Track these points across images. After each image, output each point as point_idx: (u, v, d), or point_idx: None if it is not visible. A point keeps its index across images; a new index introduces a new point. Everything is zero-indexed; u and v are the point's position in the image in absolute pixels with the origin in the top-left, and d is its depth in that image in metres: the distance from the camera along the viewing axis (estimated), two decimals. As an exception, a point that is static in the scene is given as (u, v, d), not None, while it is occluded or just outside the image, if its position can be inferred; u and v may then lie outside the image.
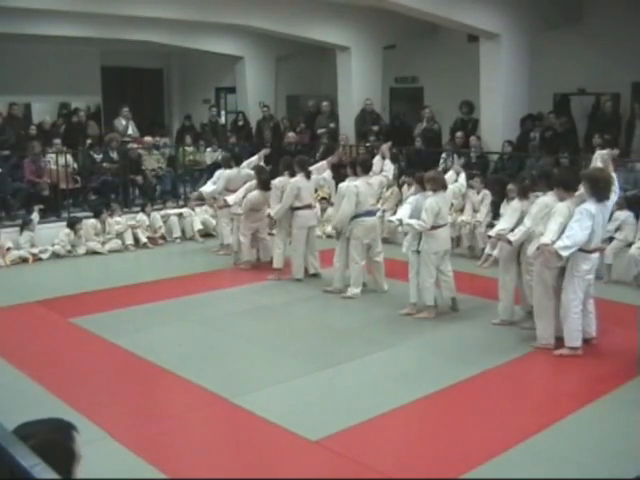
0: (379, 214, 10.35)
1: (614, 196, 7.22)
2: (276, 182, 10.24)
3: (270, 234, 10.99)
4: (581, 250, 6.85)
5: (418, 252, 8.35)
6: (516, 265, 7.97)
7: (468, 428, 5.64)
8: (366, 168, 9.32)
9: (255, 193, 10.53)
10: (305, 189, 10.06)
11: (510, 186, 10.03)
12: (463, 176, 9.22)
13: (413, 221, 8.20)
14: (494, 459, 5.04)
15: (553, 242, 6.73)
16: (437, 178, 8.49)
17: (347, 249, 9.34)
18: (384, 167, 9.73)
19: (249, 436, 5.58)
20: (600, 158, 7.56)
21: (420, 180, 8.69)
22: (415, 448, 5.47)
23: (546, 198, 7.37)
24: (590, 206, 6.82)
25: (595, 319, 7.34)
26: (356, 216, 9.13)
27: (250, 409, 5.85)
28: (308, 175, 10.09)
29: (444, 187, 8.43)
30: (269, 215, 10.21)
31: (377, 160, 9.77)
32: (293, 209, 10.00)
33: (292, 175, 10.08)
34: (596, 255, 7.15)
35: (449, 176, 9.08)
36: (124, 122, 15.65)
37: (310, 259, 10.24)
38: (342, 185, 9.33)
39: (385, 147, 10.04)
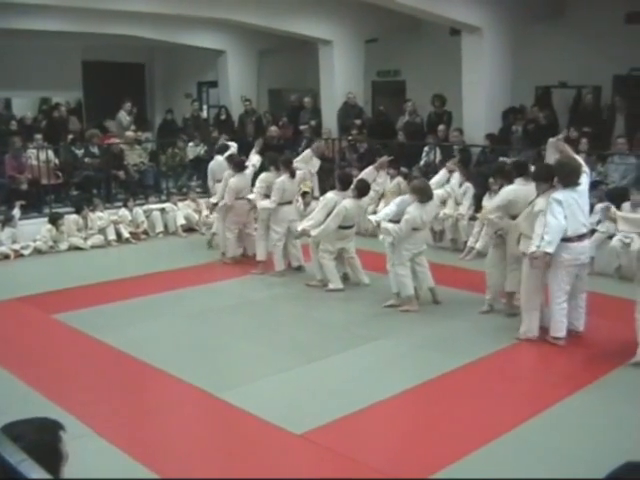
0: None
1: (585, 177, 7.20)
2: (262, 176, 10.27)
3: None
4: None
5: (393, 244, 8.41)
6: (503, 255, 8.04)
7: (454, 419, 5.67)
8: (363, 194, 9.22)
9: (234, 179, 10.58)
10: (290, 189, 10.07)
11: (492, 180, 10.08)
12: (456, 176, 9.11)
13: (390, 225, 8.23)
14: (480, 449, 5.07)
15: (538, 247, 6.86)
16: (423, 189, 8.37)
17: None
18: (377, 179, 9.63)
19: (235, 431, 5.59)
20: (553, 147, 7.60)
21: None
22: (401, 440, 5.50)
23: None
24: (557, 194, 6.90)
25: (585, 314, 7.34)
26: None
27: (236, 404, 5.85)
28: (293, 174, 10.07)
29: (429, 198, 8.37)
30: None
31: (370, 171, 9.60)
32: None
33: (277, 170, 10.08)
34: (577, 244, 7.03)
35: (442, 175, 9.03)
36: (128, 117, 15.64)
37: (293, 251, 10.25)
38: (330, 197, 9.31)
39: (385, 160, 9.85)
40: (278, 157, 10.42)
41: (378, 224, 8.35)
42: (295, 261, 10.32)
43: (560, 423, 5.55)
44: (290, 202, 10.14)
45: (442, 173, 9.10)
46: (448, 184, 8.98)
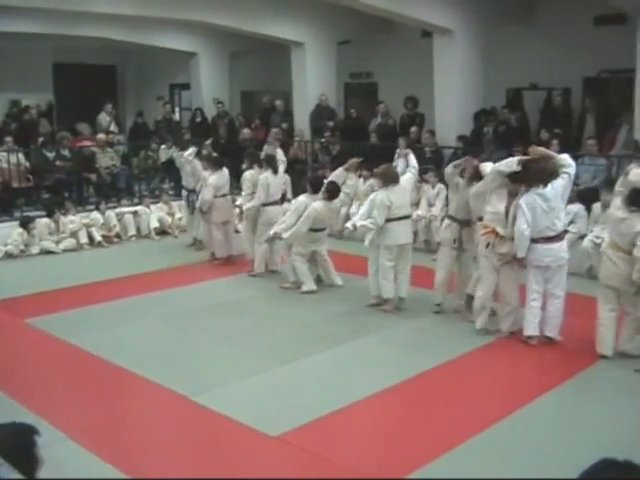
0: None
1: (561, 180, 7.08)
2: (247, 175, 10.36)
3: (236, 231, 11.27)
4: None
5: (379, 246, 8.43)
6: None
7: (430, 419, 5.71)
8: (333, 196, 9.26)
9: (214, 177, 10.70)
10: (274, 185, 10.11)
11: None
12: (412, 158, 8.92)
13: (366, 222, 8.26)
14: (456, 448, 5.11)
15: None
16: (385, 172, 8.48)
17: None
18: (348, 181, 9.63)
19: (210, 433, 5.57)
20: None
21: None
22: (377, 440, 5.51)
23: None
24: (521, 198, 7.02)
25: (553, 319, 7.26)
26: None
27: (211, 406, 5.84)
28: (275, 170, 10.15)
29: (394, 180, 8.37)
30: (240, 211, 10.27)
31: (340, 172, 9.60)
32: (262, 205, 10.08)
33: (260, 167, 10.19)
34: (541, 245, 7.10)
35: (401, 166, 8.98)
36: (108, 118, 15.59)
37: (272, 255, 10.26)
38: (301, 201, 9.35)
39: (355, 162, 9.84)
40: (259, 154, 10.57)
41: (355, 227, 8.37)
42: (273, 265, 10.33)
43: (535, 421, 5.61)
44: (276, 202, 10.17)
45: (400, 164, 9.06)
46: (408, 167, 8.89)
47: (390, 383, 6.30)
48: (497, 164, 7.31)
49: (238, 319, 8.37)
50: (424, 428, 5.55)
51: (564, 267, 7.27)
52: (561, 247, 7.20)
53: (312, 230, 9.19)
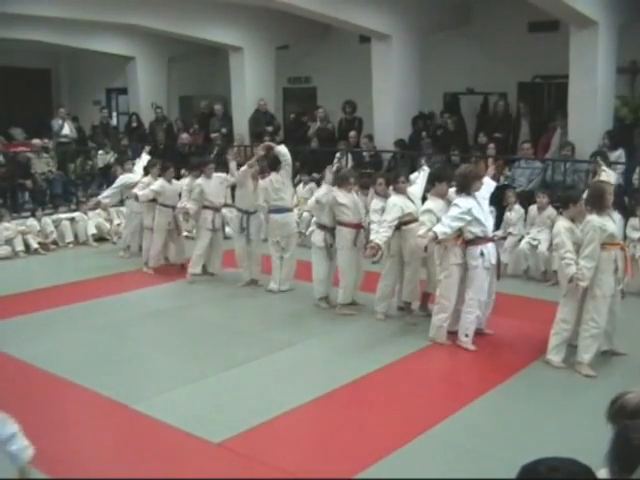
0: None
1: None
2: (186, 181, 10.39)
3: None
4: None
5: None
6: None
7: (370, 422, 5.72)
8: (274, 166, 9.32)
9: (159, 182, 10.62)
10: (209, 188, 10.01)
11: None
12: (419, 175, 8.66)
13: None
14: (396, 452, 5.13)
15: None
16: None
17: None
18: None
19: (150, 442, 5.49)
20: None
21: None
22: (319, 445, 5.51)
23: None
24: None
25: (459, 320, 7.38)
26: (269, 212, 9.29)
27: (150, 414, 5.77)
28: (209, 175, 10.05)
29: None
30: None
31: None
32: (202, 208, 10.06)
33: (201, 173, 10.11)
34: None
35: (414, 176, 8.66)
36: (60, 122, 15.31)
37: (212, 258, 10.24)
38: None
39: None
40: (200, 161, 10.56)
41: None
42: (211, 268, 10.28)
43: (473, 423, 5.66)
44: (215, 208, 10.06)
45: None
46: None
47: (330, 388, 6.30)
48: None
49: (177, 326, 8.28)
50: (365, 432, 5.56)
51: (470, 271, 7.23)
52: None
53: (272, 212, 9.23)
